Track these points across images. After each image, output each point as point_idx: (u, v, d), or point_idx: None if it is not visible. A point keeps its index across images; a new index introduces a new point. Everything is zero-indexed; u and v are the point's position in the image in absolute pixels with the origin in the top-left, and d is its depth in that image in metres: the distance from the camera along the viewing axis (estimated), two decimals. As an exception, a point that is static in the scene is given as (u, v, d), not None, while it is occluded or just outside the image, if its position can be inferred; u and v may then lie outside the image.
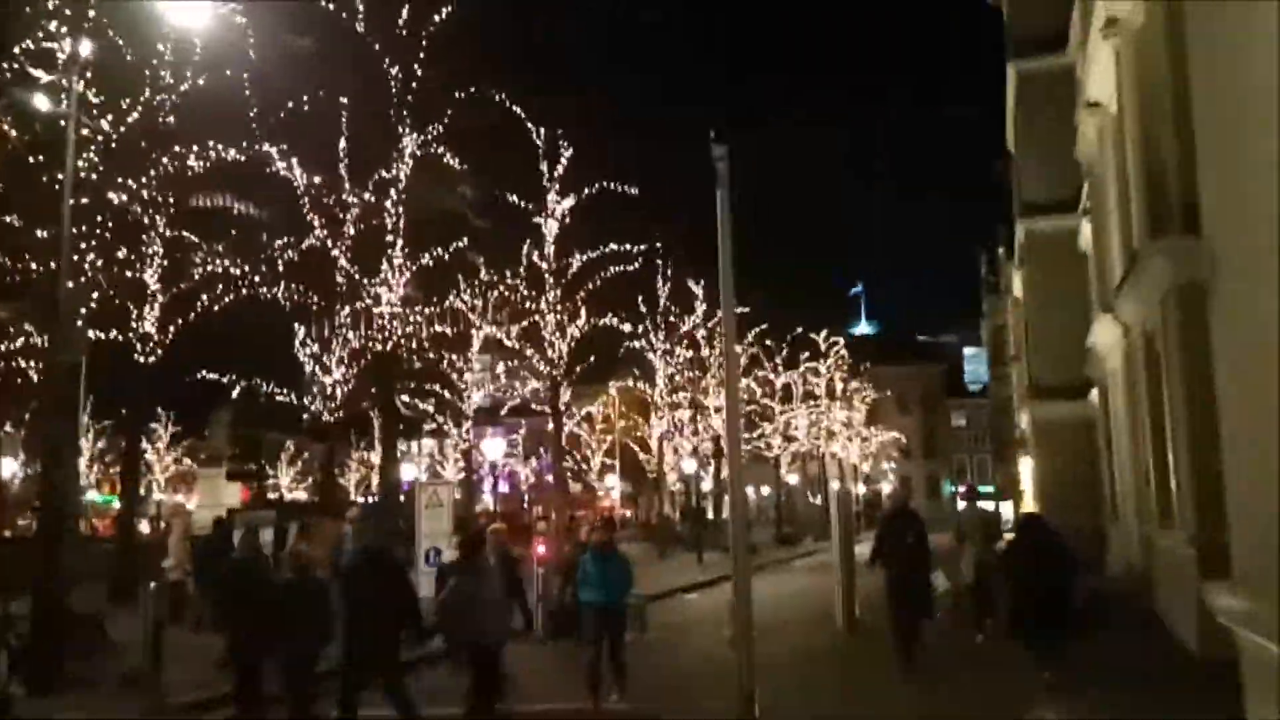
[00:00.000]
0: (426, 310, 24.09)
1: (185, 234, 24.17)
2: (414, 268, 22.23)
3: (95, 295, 14.47)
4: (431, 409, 38.13)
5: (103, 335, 24.98)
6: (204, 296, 25.26)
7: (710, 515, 45.20)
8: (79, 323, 13.69)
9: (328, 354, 27.84)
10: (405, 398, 38.68)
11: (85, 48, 11.81)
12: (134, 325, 24.60)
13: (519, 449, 61.19)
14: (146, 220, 23.89)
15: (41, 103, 13.21)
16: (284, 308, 26.07)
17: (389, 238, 21.55)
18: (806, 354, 53.92)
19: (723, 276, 5.92)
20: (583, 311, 26.40)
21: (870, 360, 64.40)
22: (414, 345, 28.92)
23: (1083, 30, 19.59)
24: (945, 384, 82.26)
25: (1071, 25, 22.19)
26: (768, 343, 48.36)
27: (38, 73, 12.43)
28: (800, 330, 52.39)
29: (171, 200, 23.45)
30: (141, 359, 24.69)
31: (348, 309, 24.98)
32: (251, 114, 17.90)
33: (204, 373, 30.88)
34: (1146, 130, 14.04)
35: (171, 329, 24.98)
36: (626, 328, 29.37)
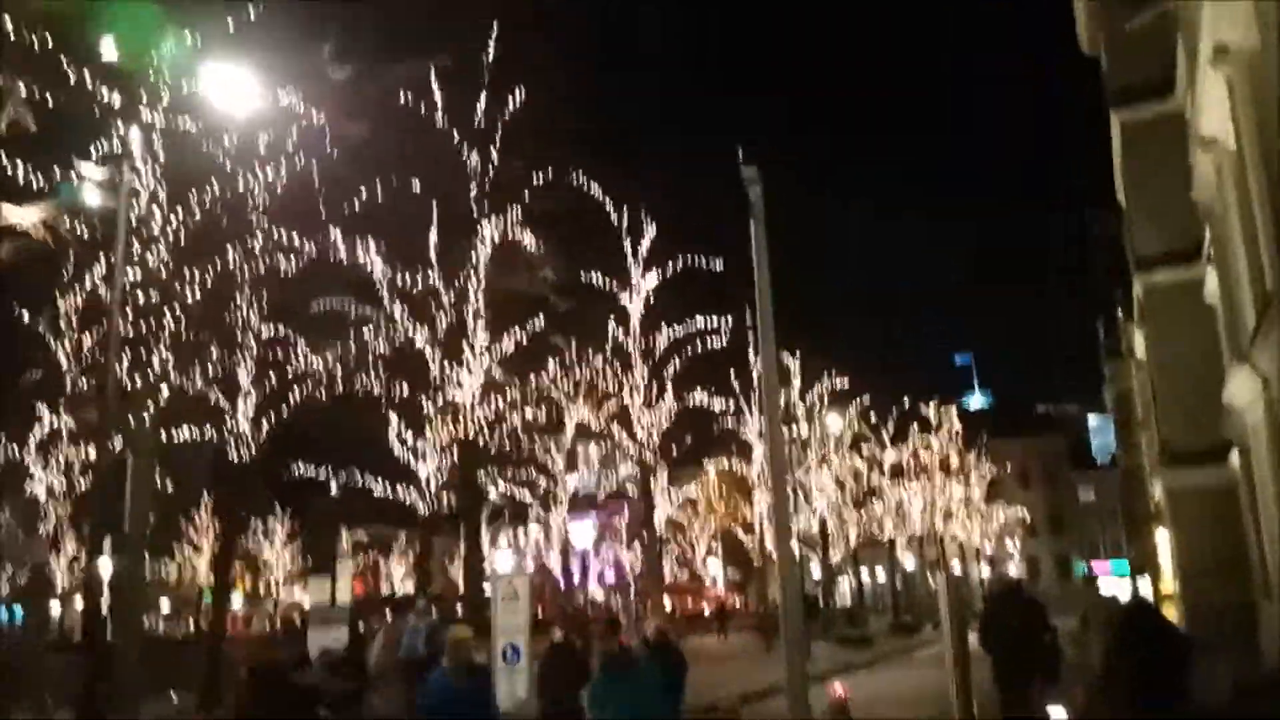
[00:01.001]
0: (512, 396, 23.67)
1: (277, 328, 24.53)
2: (495, 352, 21.86)
3: (166, 391, 14.32)
4: (528, 497, 37.63)
5: (199, 434, 25.49)
6: (296, 389, 25.52)
7: (821, 604, 43.14)
8: (145, 420, 13.57)
9: (422, 443, 27.67)
10: (500, 484, 38.34)
11: (134, 137, 11.82)
12: (228, 423, 24.90)
13: (622, 535, 60.10)
14: (234, 318, 24.45)
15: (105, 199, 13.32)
16: (378, 399, 26.14)
17: (469, 323, 21.28)
18: (915, 426, 51.82)
19: (760, 311, 5.02)
20: (669, 391, 25.60)
21: (987, 433, 61.61)
22: (505, 431, 28.55)
23: (1189, 65, 18.23)
24: (1070, 455, 77.93)
25: (1178, 63, 20.79)
26: (873, 418, 46.63)
27: (88, 169, 12.53)
28: (908, 403, 50.50)
29: (261, 297, 23.92)
30: (236, 456, 24.89)
31: (440, 398, 24.81)
32: (321, 204, 17.91)
33: (300, 465, 31.15)
34: (1269, 161, 12.63)
35: (265, 425, 25.20)
36: (718, 405, 28.37)
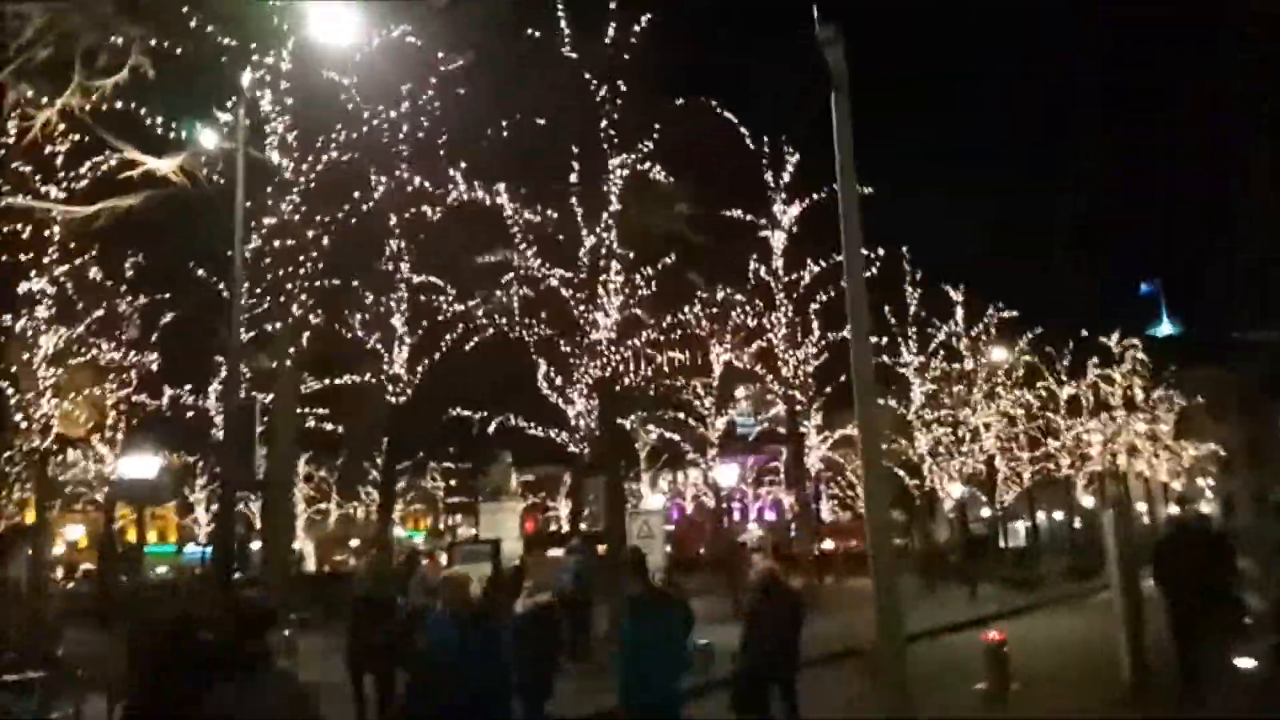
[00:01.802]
0: (652, 335, 23.29)
1: (429, 278, 25.00)
2: (631, 291, 21.47)
3: (306, 335, 14.58)
4: (682, 440, 37.45)
5: (356, 379, 26.43)
6: (448, 336, 26.03)
7: (1000, 544, 41.38)
8: (288, 363, 13.89)
9: (569, 386, 27.81)
10: (650, 427, 38.31)
11: (245, 79, 11.89)
12: (384, 368, 25.70)
13: (780, 477, 59.41)
14: (391, 267, 25.04)
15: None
16: (525, 343, 26.37)
17: (602, 262, 20.94)
18: (1095, 360, 48.55)
19: (843, 193, 4.26)
20: (815, 327, 24.60)
21: (1175, 364, 57.24)
22: (649, 372, 28.24)
23: None
24: (1270, 385, 71.49)
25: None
26: (1048, 349, 43.91)
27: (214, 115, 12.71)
28: (1086, 334, 47.29)
29: (410, 244, 24.37)
30: (393, 399, 25.69)
31: (582, 339, 24.77)
32: (449, 147, 17.76)
33: (458, 409, 31.97)
34: None
35: (420, 369, 25.88)
36: (871, 341, 27.11)
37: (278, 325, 13.70)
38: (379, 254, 23.82)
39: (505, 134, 17.60)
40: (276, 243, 13.77)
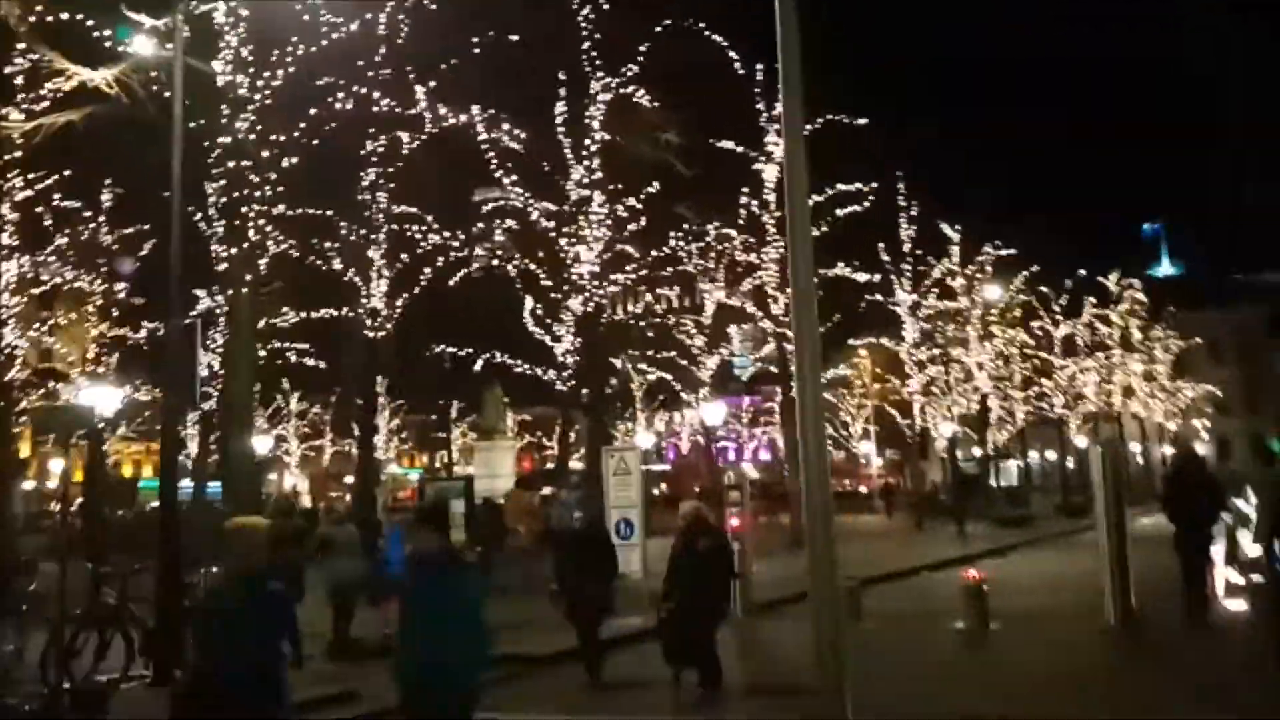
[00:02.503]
0: (639, 270, 22.69)
1: (406, 208, 24.28)
2: (612, 223, 20.80)
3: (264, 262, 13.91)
4: (674, 380, 37.05)
5: (334, 312, 25.84)
6: (427, 270, 25.39)
7: (992, 483, 41.17)
8: (244, 290, 13.28)
9: (556, 322, 27.26)
10: (643, 366, 37.85)
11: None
12: (363, 300, 25.10)
13: (776, 417, 59.19)
14: (368, 198, 24.32)
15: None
16: (512, 279, 25.75)
17: (584, 192, 20.23)
18: (1093, 300, 47.97)
19: (785, 96, 3.71)
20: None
21: (1174, 305, 56.68)
22: (638, 309, 27.63)
23: None
24: (1269, 328, 70.92)
25: None
26: (1043, 289, 43.28)
27: (140, 17, 11.95)
28: (1084, 273, 46.65)
29: (389, 176, 23.60)
30: (371, 334, 25.15)
31: (565, 273, 24.14)
32: (418, 68, 16.88)
33: (442, 347, 31.43)
34: None
35: (399, 303, 25.30)
36: (861, 277, 26.45)
37: (232, 251, 13.07)
38: (353, 183, 23.10)
39: (477, 52, 16.74)
40: (231, 164, 13.08)
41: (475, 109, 19.05)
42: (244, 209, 13.20)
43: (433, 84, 17.42)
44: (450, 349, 30.94)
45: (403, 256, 24.63)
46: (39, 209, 20.75)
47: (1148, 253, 78.75)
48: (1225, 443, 59.35)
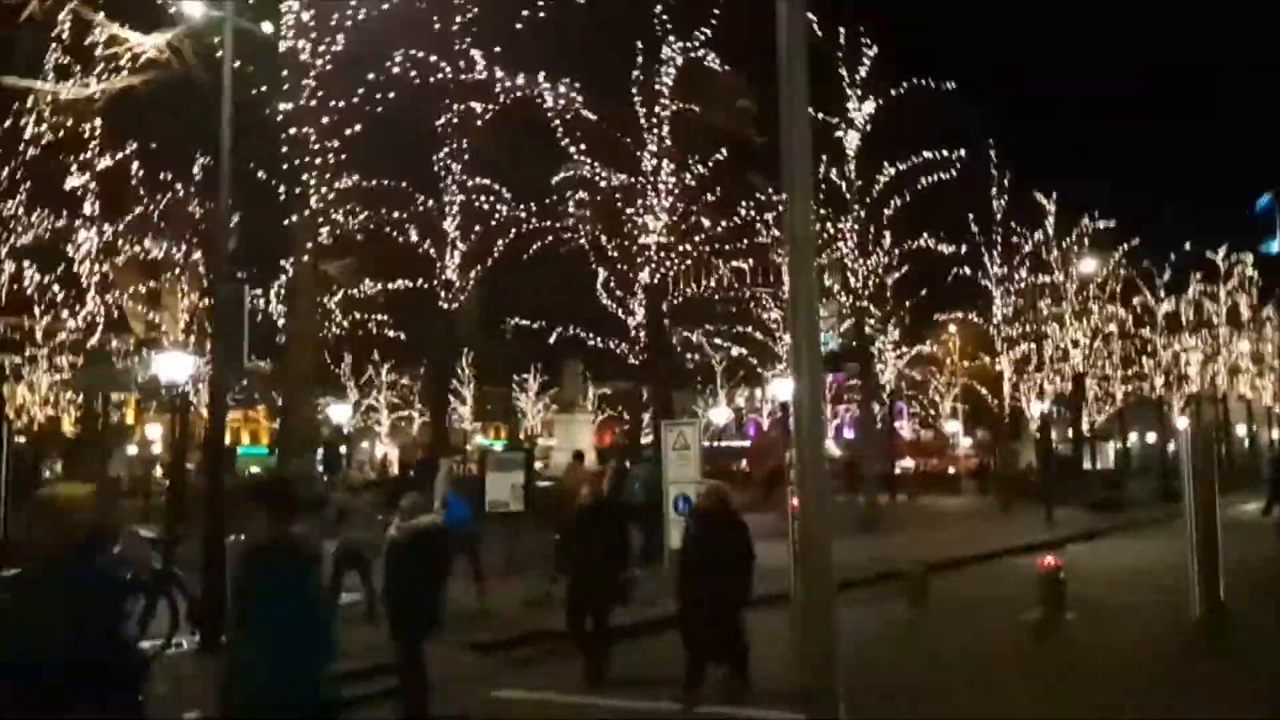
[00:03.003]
0: (702, 240, 22.13)
1: (479, 180, 24.24)
2: (679, 191, 20.31)
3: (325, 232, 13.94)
4: (746, 353, 36.48)
5: (409, 283, 25.98)
6: (500, 242, 25.31)
7: (1088, 466, 39.48)
8: (305, 257, 13.33)
9: (629, 296, 26.96)
10: (719, 341, 37.35)
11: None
12: (437, 273, 25.21)
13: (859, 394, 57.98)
14: (441, 169, 24.30)
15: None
16: (586, 252, 25.52)
17: (652, 161, 19.79)
18: (1199, 275, 45.50)
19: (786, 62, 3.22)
20: (887, 235, 23.05)
21: (1290, 282, 53.47)
22: (711, 283, 27.13)
23: None
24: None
25: None
26: (1145, 263, 41.20)
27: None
28: (1189, 247, 44.25)
29: (461, 150, 23.54)
30: (445, 305, 25.27)
31: (634, 244, 23.79)
32: (469, 31, 16.49)
33: (515, 320, 31.46)
34: None
35: (473, 275, 25.33)
36: (947, 250, 25.43)
37: (294, 218, 13.09)
38: (427, 156, 23.10)
39: (542, 17, 16.39)
40: (292, 130, 13.07)
41: (541, 77, 18.75)
42: (304, 176, 13.18)
43: (498, 49, 17.15)
44: (525, 322, 30.96)
45: (476, 228, 24.65)
46: (133, 180, 21.23)
47: (1260, 228, 74.22)
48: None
